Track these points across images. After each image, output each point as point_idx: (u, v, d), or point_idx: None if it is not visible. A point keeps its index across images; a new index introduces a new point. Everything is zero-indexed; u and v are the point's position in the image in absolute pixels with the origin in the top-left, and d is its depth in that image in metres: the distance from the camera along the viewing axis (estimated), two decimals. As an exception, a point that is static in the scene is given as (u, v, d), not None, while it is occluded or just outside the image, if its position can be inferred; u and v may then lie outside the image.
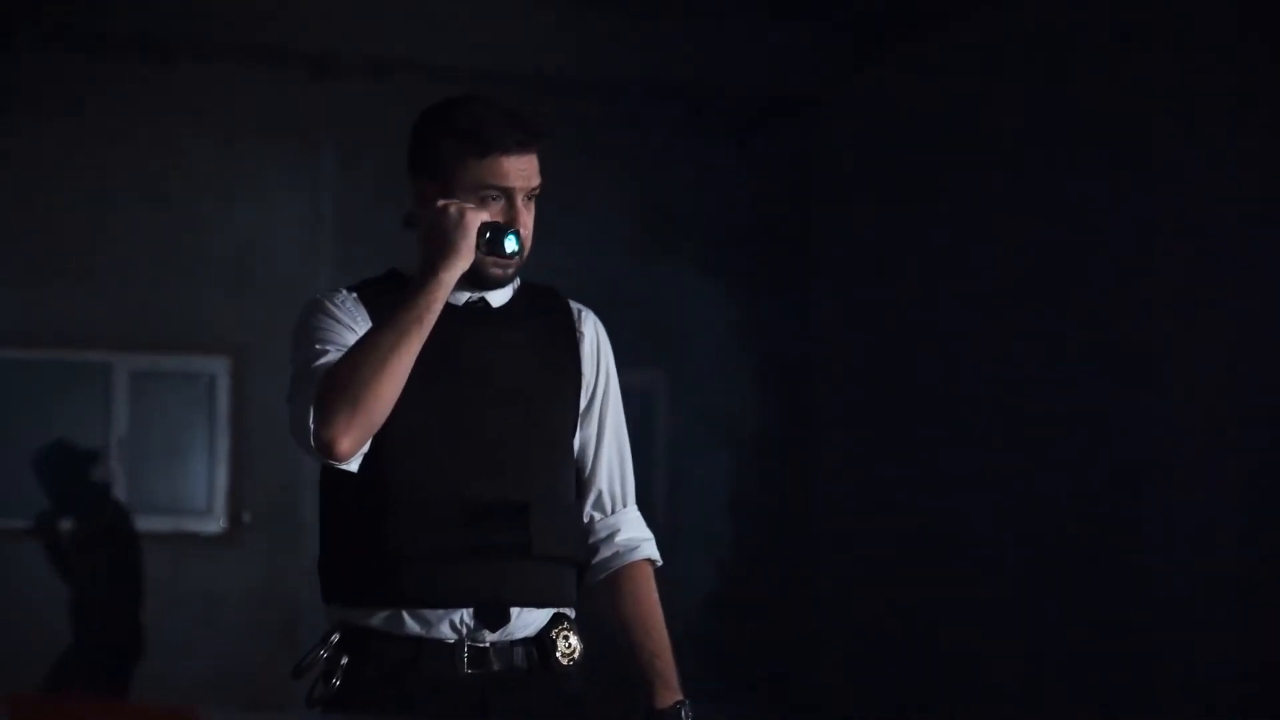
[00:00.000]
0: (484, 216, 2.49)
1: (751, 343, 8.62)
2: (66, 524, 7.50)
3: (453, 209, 2.47)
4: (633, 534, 2.69)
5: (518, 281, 2.67)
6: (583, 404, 2.66)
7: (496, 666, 2.51)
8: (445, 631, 2.50)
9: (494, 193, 2.52)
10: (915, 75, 7.55)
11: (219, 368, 8.25)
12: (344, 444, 2.39)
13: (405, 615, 2.50)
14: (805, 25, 7.75)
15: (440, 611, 2.49)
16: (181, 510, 8.32)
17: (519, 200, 2.54)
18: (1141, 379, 6.00)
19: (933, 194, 7.39)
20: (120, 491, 8.18)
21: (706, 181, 8.70)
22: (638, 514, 2.73)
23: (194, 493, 8.37)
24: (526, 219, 2.56)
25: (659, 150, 8.65)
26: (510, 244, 2.50)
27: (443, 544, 2.49)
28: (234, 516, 8.40)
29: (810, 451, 8.42)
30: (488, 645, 2.51)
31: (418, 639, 2.50)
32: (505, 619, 2.51)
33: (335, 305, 2.56)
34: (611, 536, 2.68)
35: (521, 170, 2.54)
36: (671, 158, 8.66)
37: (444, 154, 2.53)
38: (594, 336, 2.68)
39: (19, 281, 8.12)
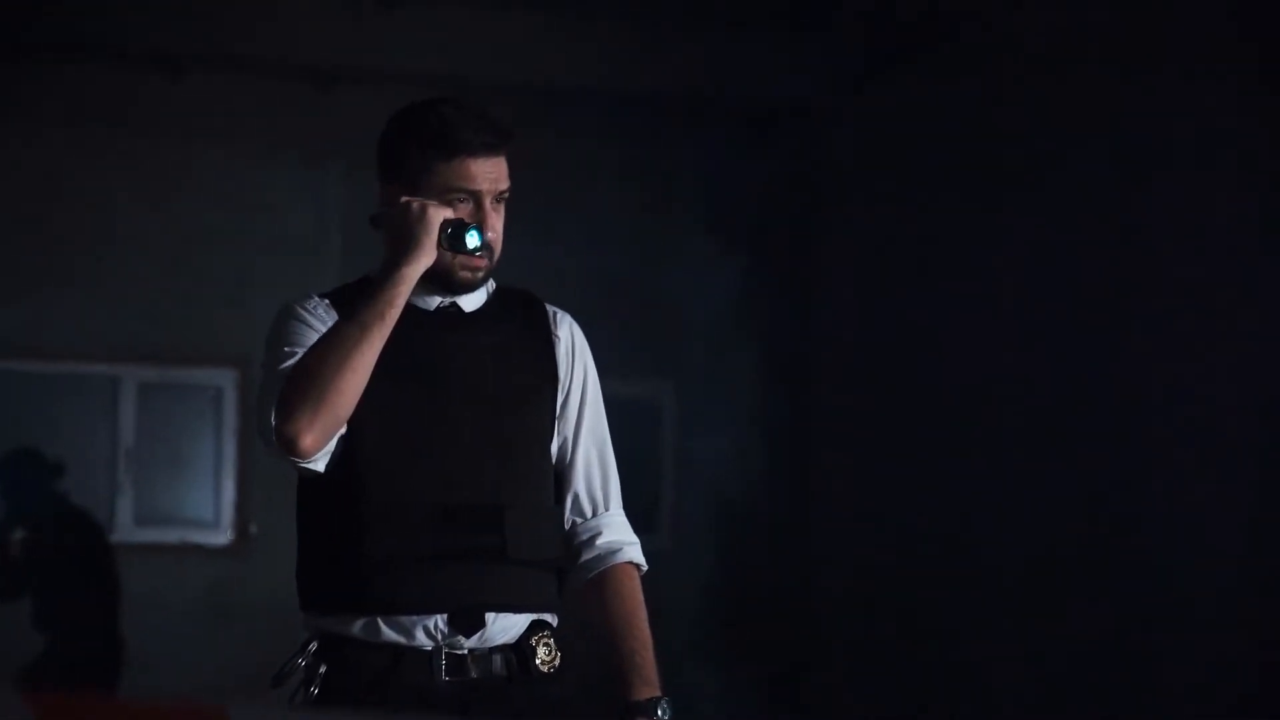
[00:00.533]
0: (447, 213, 2.47)
1: (757, 350, 8.63)
2: (21, 534, 7.48)
3: (415, 204, 2.45)
4: (615, 537, 2.64)
5: (492, 286, 2.64)
6: (558, 407, 2.62)
7: (475, 674, 2.48)
8: (422, 639, 2.47)
9: (461, 195, 2.50)
10: (922, 81, 7.56)
11: (226, 380, 8.27)
12: (306, 440, 2.38)
13: (381, 623, 2.47)
14: (813, 32, 7.75)
15: (415, 618, 2.46)
16: (188, 522, 8.34)
17: (487, 203, 2.51)
18: (1145, 380, 6.01)
19: (940, 201, 7.40)
20: (127, 503, 8.21)
21: (715, 190, 8.72)
22: (623, 518, 2.68)
23: (201, 504, 8.39)
24: (495, 221, 2.53)
25: (668, 159, 8.68)
26: (472, 240, 2.46)
27: (415, 549, 2.46)
28: (241, 528, 8.41)
29: (814, 457, 8.42)
30: (466, 652, 2.48)
31: (395, 646, 2.47)
32: (480, 624, 2.48)
33: (307, 311, 2.55)
34: (593, 539, 2.63)
35: (489, 173, 2.51)
36: (680, 167, 8.68)
37: (411, 157, 2.51)
38: (569, 339, 2.65)
39: (26, 293, 8.14)
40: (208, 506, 8.37)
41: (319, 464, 2.47)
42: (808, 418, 8.48)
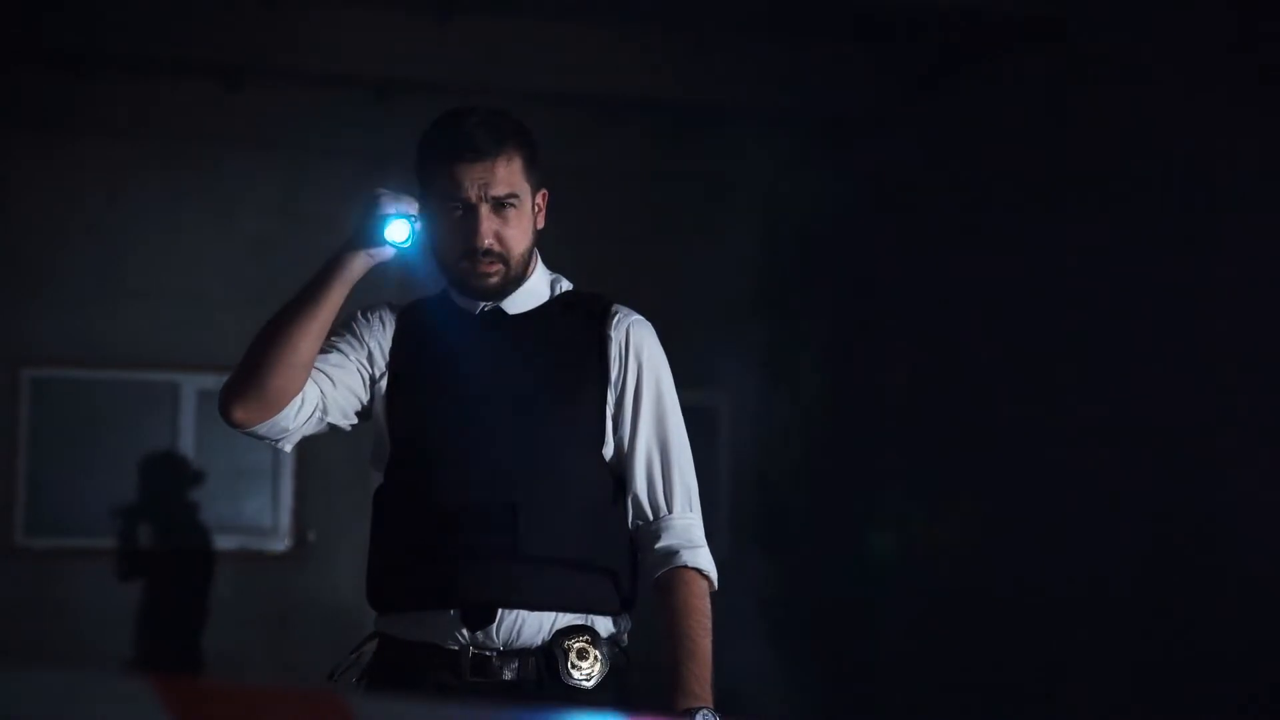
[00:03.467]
0: (406, 207, 2.48)
1: (815, 359, 8.62)
2: (143, 541, 7.59)
3: (374, 193, 2.49)
4: (671, 542, 2.56)
5: (562, 289, 2.65)
6: (610, 408, 2.58)
7: (505, 675, 2.45)
8: (446, 637, 2.47)
9: (454, 202, 2.51)
10: (985, 88, 7.54)
11: (284, 387, 8.32)
12: (236, 411, 2.44)
13: (409, 619, 2.49)
14: (877, 40, 7.71)
15: (432, 613, 2.47)
16: (247, 529, 8.40)
17: (481, 209, 2.49)
18: (1213, 384, 5.96)
19: (1003, 207, 7.36)
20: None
21: (775, 200, 8.72)
22: (687, 521, 2.59)
23: (259, 511, 8.45)
24: (495, 226, 2.51)
25: (725, 168, 8.68)
26: (394, 233, 2.45)
27: (433, 547, 2.47)
28: (299, 535, 8.47)
29: (873, 464, 8.39)
30: (492, 654, 2.46)
31: (423, 645, 2.48)
32: (488, 619, 2.45)
33: (364, 316, 2.62)
34: (652, 544, 2.57)
35: (478, 178, 2.49)
36: (739, 177, 8.68)
37: (420, 165, 2.56)
38: (623, 339, 2.59)
39: (88, 302, 8.24)
40: (266, 513, 8.42)
41: (284, 444, 2.54)
42: (867, 425, 8.45)
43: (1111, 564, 6.42)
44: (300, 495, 8.44)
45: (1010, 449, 7.15)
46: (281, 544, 8.48)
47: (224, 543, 8.28)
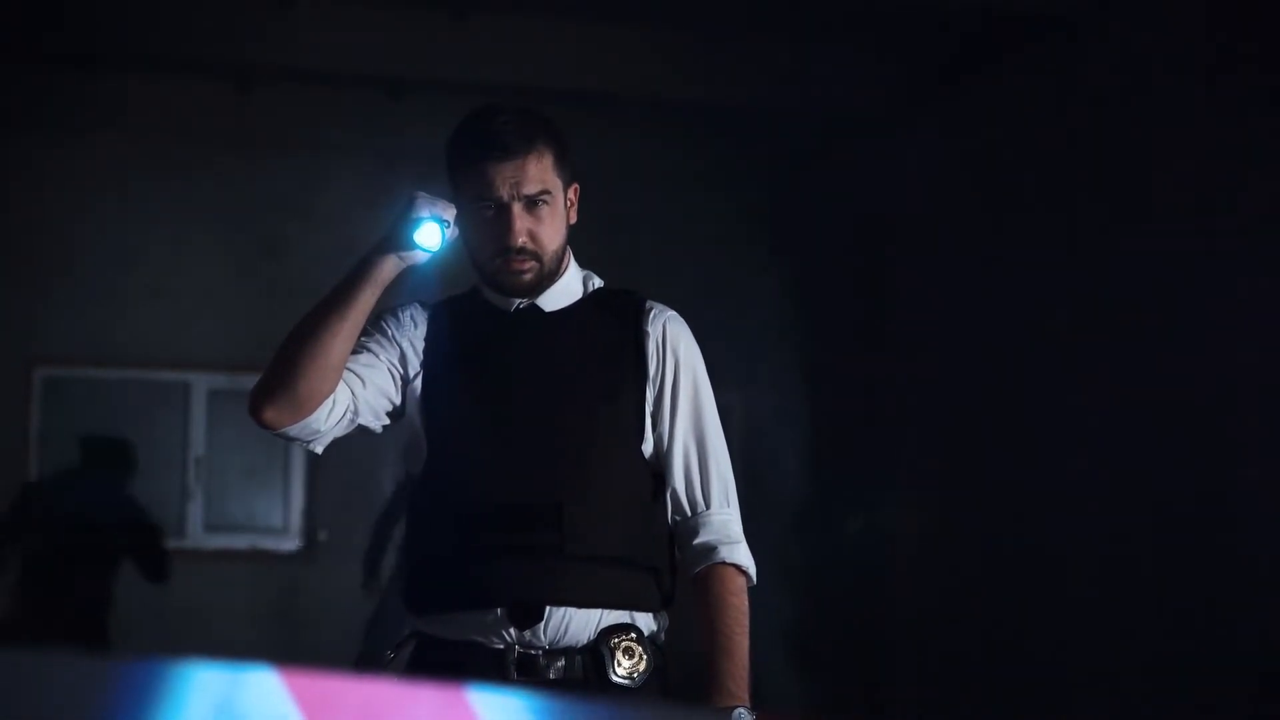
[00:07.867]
0: (444, 211, 2.46)
1: (828, 360, 8.61)
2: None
3: (412, 195, 2.47)
4: (709, 538, 2.56)
5: (594, 285, 2.64)
6: (649, 404, 2.57)
7: (550, 675, 2.44)
8: (490, 637, 2.46)
9: (486, 203, 2.48)
10: (994, 89, 7.52)
11: (296, 387, 8.32)
12: (266, 411, 2.43)
13: (452, 619, 2.47)
14: (885, 42, 7.71)
15: (477, 614, 2.45)
16: (258, 528, 8.40)
17: (514, 208, 2.47)
18: (1226, 381, 5.95)
19: (1013, 208, 7.35)
20: (197, 509, 8.28)
21: (785, 202, 8.71)
22: (725, 517, 2.60)
23: (270, 511, 8.45)
24: (528, 224, 2.49)
25: (737, 169, 8.67)
26: (423, 236, 2.42)
27: (476, 546, 2.46)
28: (310, 535, 8.47)
29: (887, 465, 8.38)
30: (538, 653, 2.45)
31: (467, 644, 2.46)
32: (536, 618, 2.44)
33: (394, 316, 2.59)
34: (690, 540, 2.57)
35: (508, 177, 2.47)
36: (750, 178, 8.67)
37: (450, 165, 2.53)
38: (660, 334, 2.58)
39: (100, 302, 8.24)
40: (277, 513, 8.43)
41: (316, 446, 2.52)
42: (881, 421, 8.44)
43: (1118, 562, 6.41)
44: (311, 495, 8.44)
45: (1021, 444, 7.14)
46: (292, 543, 8.47)
47: (234, 542, 8.29)
